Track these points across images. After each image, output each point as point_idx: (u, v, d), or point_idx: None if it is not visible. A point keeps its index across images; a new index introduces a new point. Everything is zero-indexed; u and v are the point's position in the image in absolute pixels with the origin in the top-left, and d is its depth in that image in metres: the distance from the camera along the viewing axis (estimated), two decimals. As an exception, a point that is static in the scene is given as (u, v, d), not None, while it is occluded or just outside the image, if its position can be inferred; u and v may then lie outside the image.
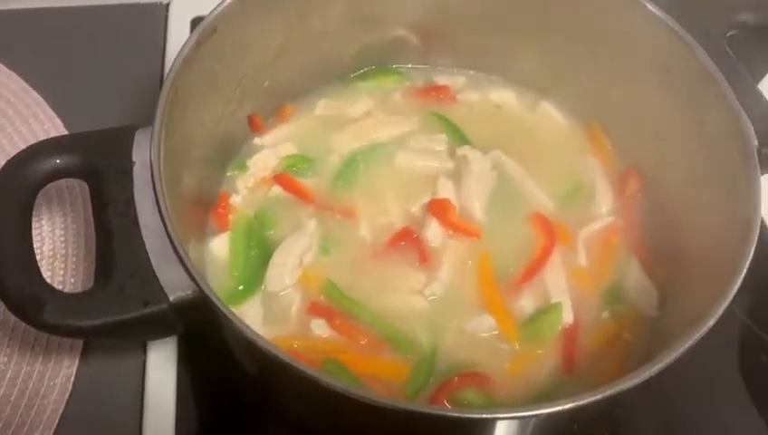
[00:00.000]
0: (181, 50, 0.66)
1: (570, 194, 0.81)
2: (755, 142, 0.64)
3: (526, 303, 0.73)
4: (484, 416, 0.51)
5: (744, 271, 0.56)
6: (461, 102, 0.89)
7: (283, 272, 0.73)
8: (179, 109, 0.66)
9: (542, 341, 0.71)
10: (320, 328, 0.71)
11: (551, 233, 0.77)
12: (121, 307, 0.55)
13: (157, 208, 0.56)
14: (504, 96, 0.90)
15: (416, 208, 0.79)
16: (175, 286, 0.57)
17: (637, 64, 0.76)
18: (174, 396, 0.73)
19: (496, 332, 0.71)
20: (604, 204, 0.80)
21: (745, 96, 0.68)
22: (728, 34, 0.72)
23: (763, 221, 0.81)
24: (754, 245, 0.57)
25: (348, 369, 0.68)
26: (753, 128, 0.65)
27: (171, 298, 0.56)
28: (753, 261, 0.84)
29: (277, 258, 0.74)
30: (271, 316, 0.72)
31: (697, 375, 0.79)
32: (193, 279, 0.53)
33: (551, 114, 0.88)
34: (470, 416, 0.52)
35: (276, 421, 0.75)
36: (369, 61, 0.90)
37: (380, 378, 0.69)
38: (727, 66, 0.69)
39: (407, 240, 0.77)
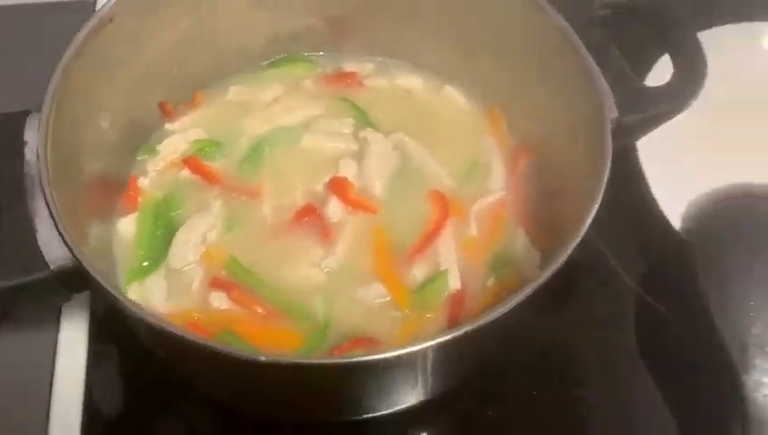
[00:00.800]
0: (74, 39, 0.70)
1: (468, 172, 0.85)
2: (614, 114, 0.69)
3: (418, 272, 0.77)
4: (333, 362, 0.56)
5: (583, 233, 0.60)
6: (368, 87, 0.93)
7: (186, 249, 0.77)
8: (75, 96, 0.70)
9: (430, 306, 0.75)
10: (218, 300, 0.74)
11: (444, 207, 0.81)
12: (4, 275, 0.59)
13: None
14: (411, 81, 0.94)
15: (319, 187, 0.83)
16: (58, 257, 0.60)
17: (519, 48, 0.80)
18: (84, 371, 0.77)
19: (387, 299, 0.75)
20: (497, 180, 0.84)
21: (611, 71, 0.72)
22: (600, 14, 0.76)
23: (655, 201, 0.87)
24: (597, 206, 0.61)
25: (243, 338, 0.72)
26: (612, 99, 0.69)
27: (52, 267, 0.59)
28: (644, 235, 0.90)
29: (180, 237, 0.78)
30: (174, 291, 0.76)
31: (598, 343, 0.84)
32: (67, 246, 0.57)
33: (454, 98, 0.92)
34: (321, 362, 0.56)
35: (187, 396, 0.79)
36: (280, 49, 0.94)
37: (275, 346, 0.72)
38: (596, 43, 0.73)
39: (309, 216, 0.80)
